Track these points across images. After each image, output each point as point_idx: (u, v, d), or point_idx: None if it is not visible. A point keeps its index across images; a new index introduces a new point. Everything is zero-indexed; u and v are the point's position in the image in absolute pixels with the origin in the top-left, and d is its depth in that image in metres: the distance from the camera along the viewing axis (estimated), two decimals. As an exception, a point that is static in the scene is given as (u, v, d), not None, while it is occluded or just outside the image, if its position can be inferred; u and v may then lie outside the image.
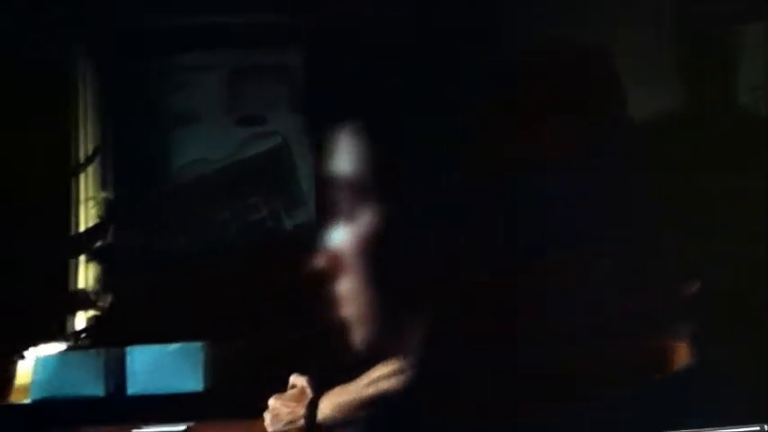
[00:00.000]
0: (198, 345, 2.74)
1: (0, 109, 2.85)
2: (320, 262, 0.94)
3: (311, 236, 3.25)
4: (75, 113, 3.15)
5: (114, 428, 2.64)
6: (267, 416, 1.99)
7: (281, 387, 2.65)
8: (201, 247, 3.24)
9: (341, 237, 0.92)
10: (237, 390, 2.75)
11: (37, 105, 2.95)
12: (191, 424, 2.67)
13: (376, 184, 0.89)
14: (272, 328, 2.99)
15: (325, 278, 0.94)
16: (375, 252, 0.88)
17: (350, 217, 0.91)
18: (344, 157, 0.91)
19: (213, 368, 2.75)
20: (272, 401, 2.01)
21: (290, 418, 1.96)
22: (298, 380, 2.01)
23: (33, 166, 2.92)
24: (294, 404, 1.97)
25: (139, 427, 2.65)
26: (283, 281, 3.15)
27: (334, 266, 0.93)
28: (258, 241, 3.30)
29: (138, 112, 3.27)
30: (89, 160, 3.12)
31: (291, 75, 3.36)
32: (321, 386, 1.97)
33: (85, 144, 3.19)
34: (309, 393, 1.96)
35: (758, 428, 1.10)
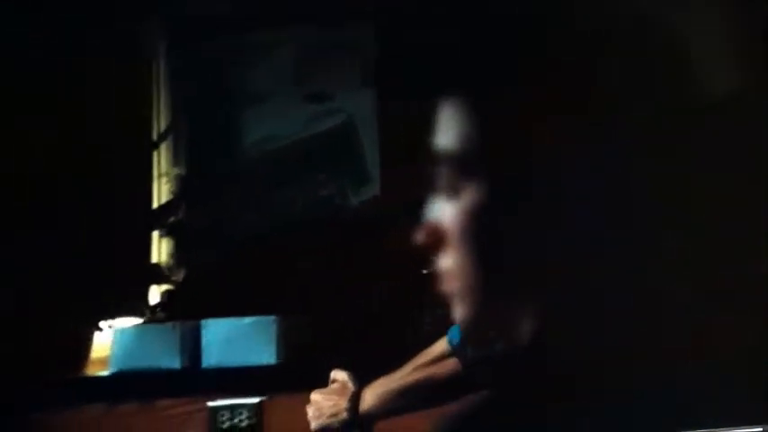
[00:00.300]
0: (270, 318, 2.78)
1: (84, 86, 2.91)
2: (422, 236, 0.93)
3: (377, 212, 3.30)
4: (150, 91, 3.21)
5: (189, 400, 2.69)
6: (310, 410, 2.02)
7: (350, 361, 2.71)
8: (270, 222, 3.29)
9: (443, 212, 0.93)
10: (309, 363, 2.81)
11: (118, 82, 3.01)
12: (264, 397, 2.72)
13: (481, 160, 0.90)
14: (340, 302, 3.04)
15: (427, 253, 0.94)
16: (481, 228, 0.88)
17: (452, 192, 0.92)
18: (448, 132, 0.91)
19: (285, 342, 2.80)
20: (313, 395, 2.03)
21: (332, 411, 1.98)
22: (339, 375, 2.03)
23: (114, 142, 2.99)
24: (336, 397, 1.99)
25: (214, 400, 2.71)
26: (350, 256, 3.21)
27: (437, 241, 0.93)
28: (325, 217, 3.34)
29: (209, 89, 3.33)
30: (163, 137, 3.18)
31: (360, 51, 3.39)
32: (363, 379, 2.01)
33: (158, 121, 3.25)
34: (351, 387, 1.98)
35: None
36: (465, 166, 0.90)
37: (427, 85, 0.98)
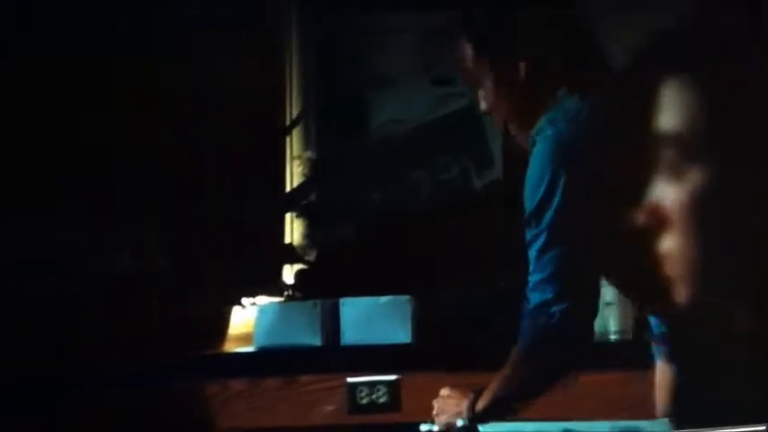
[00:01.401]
0: (406, 298, 2.86)
1: (220, 73, 3.00)
2: (644, 217, 0.96)
3: (499, 194, 3.34)
4: (283, 75, 3.30)
5: (329, 377, 2.78)
6: (435, 405, 2.10)
7: (480, 342, 2.76)
8: (397, 204, 3.36)
9: (666, 194, 0.94)
10: (443, 343, 2.88)
11: (251, 68, 3.10)
12: (400, 375, 2.80)
13: (709, 143, 0.90)
14: (467, 283, 3.09)
15: (649, 234, 0.96)
16: (709, 213, 0.90)
17: (675, 174, 0.93)
18: (673, 114, 0.92)
19: (420, 321, 2.87)
20: (443, 391, 2.11)
21: (455, 410, 2.05)
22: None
23: (249, 127, 3.08)
24: (459, 397, 2.07)
25: (352, 377, 2.79)
26: (475, 237, 3.26)
27: (659, 223, 0.95)
28: (449, 199, 3.40)
29: (339, 74, 3.41)
30: (296, 121, 3.27)
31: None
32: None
33: (290, 105, 3.33)
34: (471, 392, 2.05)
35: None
36: (691, 148, 0.92)
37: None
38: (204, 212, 2.96)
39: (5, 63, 2.39)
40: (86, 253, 2.64)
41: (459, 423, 2.01)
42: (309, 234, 3.24)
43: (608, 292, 2.47)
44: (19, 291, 2.37)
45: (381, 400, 2.77)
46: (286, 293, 3.05)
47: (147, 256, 2.78)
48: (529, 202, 1.91)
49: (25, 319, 2.35)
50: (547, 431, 1.86)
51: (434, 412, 2.11)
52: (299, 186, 3.27)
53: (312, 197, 3.27)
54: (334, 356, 2.83)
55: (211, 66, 3.05)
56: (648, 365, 1.93)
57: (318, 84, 3.41)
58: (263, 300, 2.94)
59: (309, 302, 2.83)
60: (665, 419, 1.59)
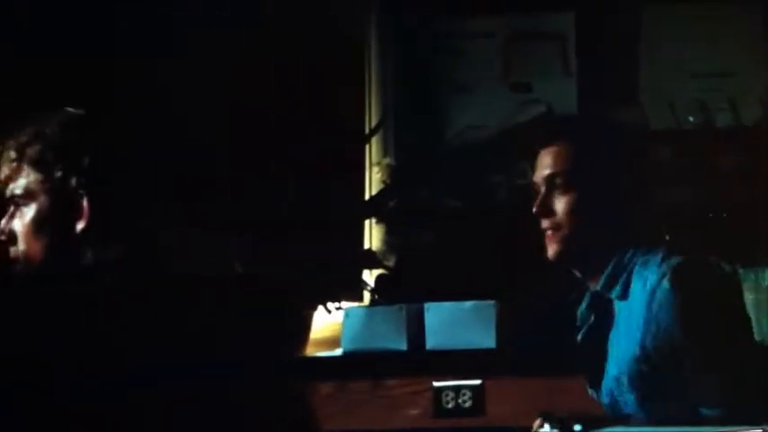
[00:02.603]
0: (490, 303, 2.87)
1: (302, 80, 3.04)
2: None
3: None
4: (363, 81, 3.33)
5: (415, 380, 2.80)
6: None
7: (563, 347, 2.76)
8: (476, 209, 3.38)
9: None
10: (526, 348, 2.88)
11: (332, 73, 3.14)
12: (485, 379, 2.81)
13: None
14: (549, 288, 3.09)
15: None
16: None
17: None
18: None
19: (504, 326, 2.88)
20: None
21: None
22: None
23: (330, 134, 3.11)
24: None
25: (438, 381, 2.81)
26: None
27: None
28: (525, 204, 3.41)
29: (418, 80, 3.43)
30: (377, 127, 3.30)
31: (560, 41, 3.44)
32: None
33: (369, 112, 3.36)
34: None
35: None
36: None
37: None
38: (288, 218, 2.99)
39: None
40: (177, 255, 2.68)
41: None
42: (389, 240, 3.26)
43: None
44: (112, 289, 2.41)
45: (467, 405, 2.78)
46: (370, 298, 3.08)
47: (236, 260, 2.82)
48: None
49: (123, 317, 2.40)
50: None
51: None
52: (378, 193, 3.29)
53: (392, 203, 3.29)
54: (420, 361, 2.85)
55: (293, 73, 3.09)
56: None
57: (397, 90, 3.44)
58: (348, 304, 2.97)
59: (395, 307, 2.85)
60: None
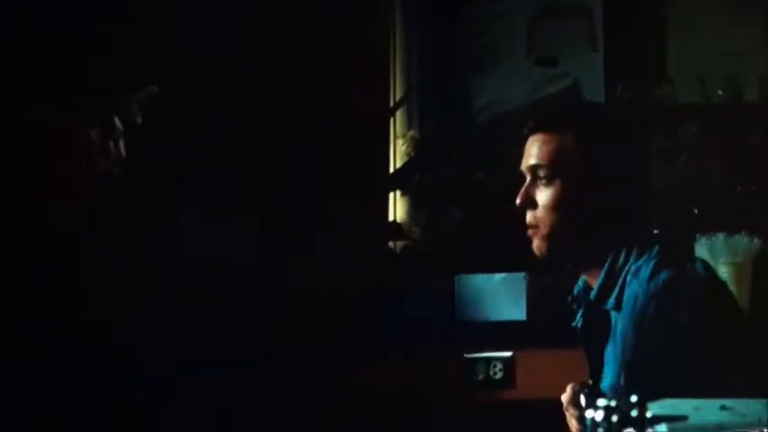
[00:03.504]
0: (520, 275, 2.86)
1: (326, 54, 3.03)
2: None
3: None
4: (388, 55, 3.31)
5: (446, 352, 2.80)
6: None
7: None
8: (500, 182, 3.36)
9: None
10: (556, 320, 2.87)
11: (358, 49, 3.12)
12: (516, 351, 2.81)
13: None
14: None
15: None
16: None
17: None
18: None
19: (534, 298, 2.88)
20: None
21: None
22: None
23: (355, 107, 3.09)
24: None
25: (468, 352, 2.81)
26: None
27: None
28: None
29: (443, 54, 3.42)
30: (401, 101, 3.28)
31: (587, 16, 3.43)
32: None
33: (394, 85, 3.35)
34: None
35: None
36: None
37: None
38: (310, 192, 2.99)
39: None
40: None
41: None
42: (414, 212, 3.25)
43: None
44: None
45: (497, 377, 2.78)
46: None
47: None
48: None
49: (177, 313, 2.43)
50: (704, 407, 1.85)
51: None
52: (404, 165, 3.28)
53: (417, 176, 3.28)
54: (450, 332, 2.84)
55: (320, 49, 3.07)
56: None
57: (422, 63, 3.42)
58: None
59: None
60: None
